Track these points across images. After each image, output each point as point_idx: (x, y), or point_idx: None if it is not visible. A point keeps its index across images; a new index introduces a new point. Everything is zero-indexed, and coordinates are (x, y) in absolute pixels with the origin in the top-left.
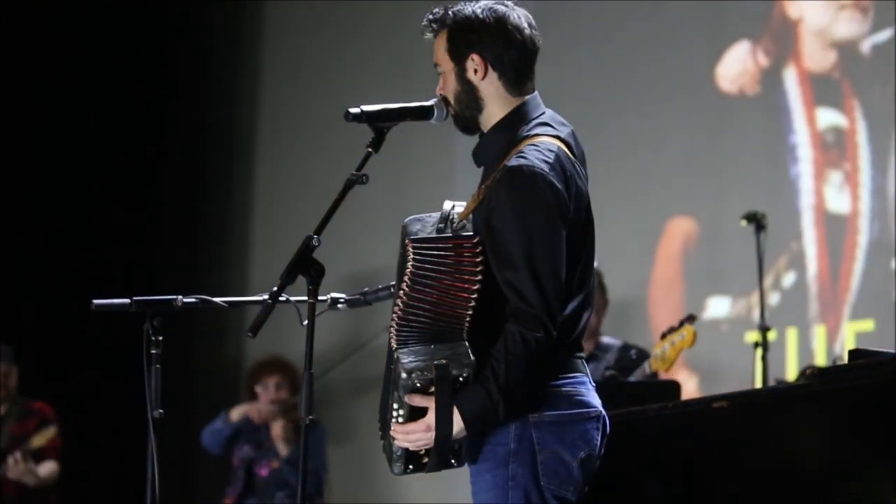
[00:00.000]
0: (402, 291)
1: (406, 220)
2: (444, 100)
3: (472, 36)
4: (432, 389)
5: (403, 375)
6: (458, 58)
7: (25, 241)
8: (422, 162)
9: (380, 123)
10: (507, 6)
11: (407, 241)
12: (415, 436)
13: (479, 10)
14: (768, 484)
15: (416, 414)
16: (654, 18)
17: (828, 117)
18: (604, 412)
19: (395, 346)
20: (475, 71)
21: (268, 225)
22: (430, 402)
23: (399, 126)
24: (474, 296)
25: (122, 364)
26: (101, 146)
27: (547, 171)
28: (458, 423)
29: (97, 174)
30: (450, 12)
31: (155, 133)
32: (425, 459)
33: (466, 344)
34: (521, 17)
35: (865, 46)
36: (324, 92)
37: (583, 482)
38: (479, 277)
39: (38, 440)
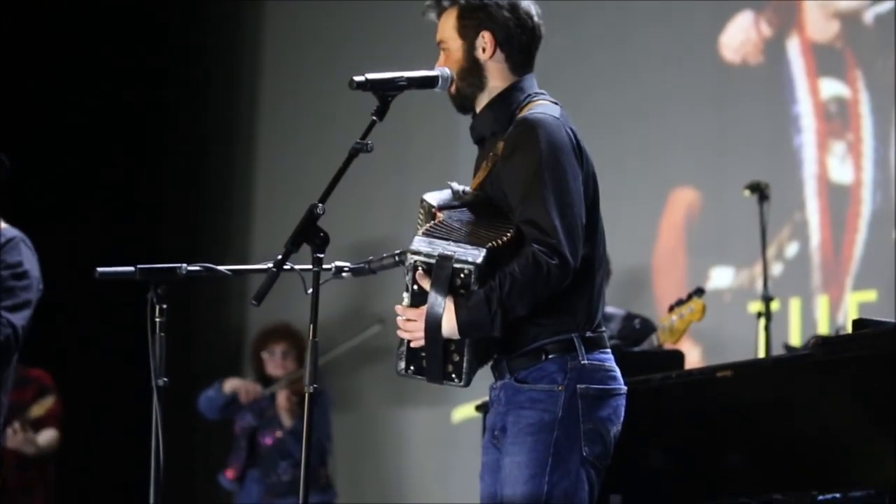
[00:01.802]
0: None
1: (423, 195)
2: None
3: (483, 14)
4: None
5: (408, 255)
6: (468, 35)
7: (25, 209)
8: (424, 132)
9: (384, 92)
10: None
11: (434, 208)
12: (412, 324)
13: None
14: (772, 453)
15: (417, 302)
16: None
17: (830, 87)
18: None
19: (419, 232)
20: (483, 49)
21: (270, 194)
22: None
23: (401, 99)
24: (504, 238)
25: (123, 332)
26: (102, 116)
27: (553, 118)
28: (450, 323)
29: (98, 144)
30: None
31: (156, 103)
32: (426, 362)
33: (484, 250)
34: (529, 5)
35: (868, 17)
36: (327, 60)
37: (611, 456)
38: (510, 227)
39: (37, 410)
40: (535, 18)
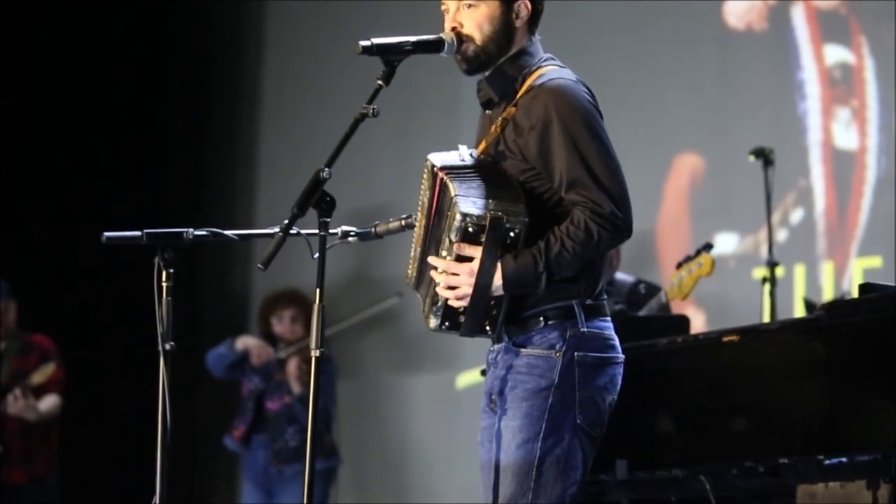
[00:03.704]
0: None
1: (428, 155)
2: (459, 36)
3: None
4: (482, 239)
5: (458, 218)
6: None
7: (30, 177)
8: (428, 97)
9: (390, 56)
10: None
11: (436, 168)
12: (456, 279)
13: None
14: (778, 417)
15: (461, 261)
16: None
17: (835, 54)
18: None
19: (454, 193)
20: (517, 15)
21: (274, 159)
22: (477, 252)
23: (405, 64)
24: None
25: (129, 297)
26: (107, 84)
27: (573, 82)
28: (498, 279)
29: (103, 107)
30: None
31: (160, 67)
32: (462, 318)
33: (523, 205)
34: None
35: None
36: (331, 27)
37: (605, 425)
38: (520, 193)
39: (38, 377)
40: None
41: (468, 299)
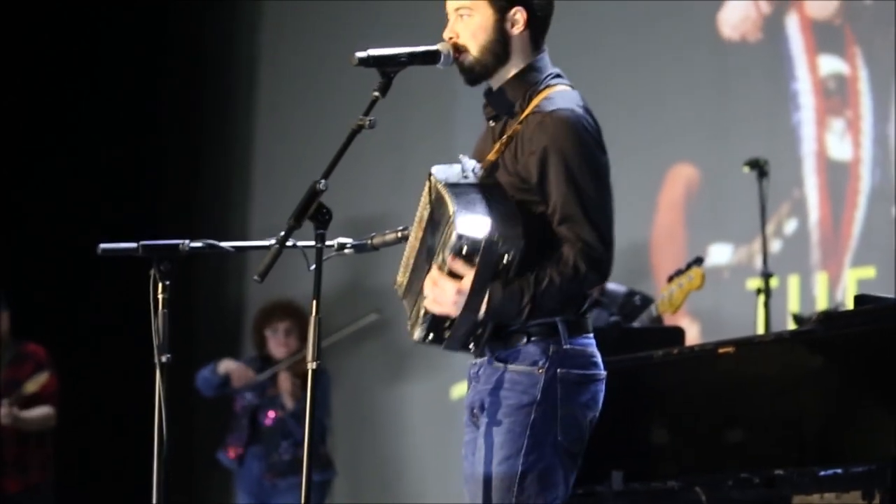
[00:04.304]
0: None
1: (432, 168)
2: (455, 46)
3: None
4: (475, 260)
5: (454, 237)
6: (502, 7)
7: (25, 184)
8: (423, 107)
9: (387, 67)
10: None
11: (438, 184)
12: (443, 295)
13: None
14: (773, 429)
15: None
16: None
17: (829, 64)
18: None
19: (452, 210)
20: (513, 25)
21: (268, 171)
22: (469, 273)
23: (401, 74)
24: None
25: (124, 309)
26: (102, 90)
27: (580, 114)
28: (483, 305)
29: (97, 117)
30: None
31: (154, 76)
32: (447, 333)
33: (520, 228)
34: None
35: None
36: (327, 34)
37: (585, 442)
38: (519, 217)
39: (31, 386)
40: None
41: (448, 311)
